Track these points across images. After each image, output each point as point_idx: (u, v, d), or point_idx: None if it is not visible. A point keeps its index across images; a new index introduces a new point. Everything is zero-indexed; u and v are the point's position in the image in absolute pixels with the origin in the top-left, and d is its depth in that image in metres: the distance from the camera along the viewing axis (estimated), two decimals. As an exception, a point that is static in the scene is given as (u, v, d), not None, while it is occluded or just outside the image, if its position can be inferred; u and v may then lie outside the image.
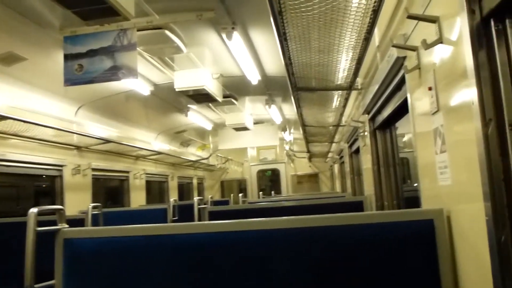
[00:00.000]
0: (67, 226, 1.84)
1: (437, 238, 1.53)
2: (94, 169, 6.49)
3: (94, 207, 3.97)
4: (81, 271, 1.79)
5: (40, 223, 1.81)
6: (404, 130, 4.92)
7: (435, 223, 1.54)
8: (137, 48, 3.83)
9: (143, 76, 5.56)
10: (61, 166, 5.72)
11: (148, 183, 8.78)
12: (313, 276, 1.62)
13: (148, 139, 8.58)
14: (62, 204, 5.54)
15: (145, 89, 5.78)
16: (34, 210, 1.76)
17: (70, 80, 3.92)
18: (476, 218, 1.26)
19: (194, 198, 3.83)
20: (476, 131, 1.22)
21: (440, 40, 1.49)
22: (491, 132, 1.17)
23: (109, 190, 7.94)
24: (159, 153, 8.59)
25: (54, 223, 1.86)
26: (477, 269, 1.33)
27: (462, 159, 1.39)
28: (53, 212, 1.91)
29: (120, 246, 1.78)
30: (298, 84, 3.73)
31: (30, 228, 1.73)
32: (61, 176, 5.72)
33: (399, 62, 2.15)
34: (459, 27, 1.33)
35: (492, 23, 1.22)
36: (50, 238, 1.83)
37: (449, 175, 1.50)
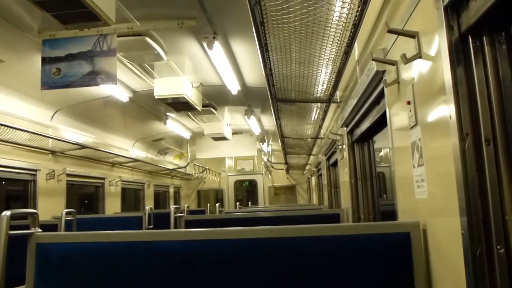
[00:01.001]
0: (40, 230, 1.77)
1: (413, 251, 1.53)
2: (69, 175, 6.34)
3: (67, 213, 3.86)
4: (54, 277, 1.73)
5: (11, 228, 1.75)
6: (381, 144, 4.99)
7: (411, 236, 1.54)
8: (117, 54, 3.78)
9: (122, 82, 5.49)
10: (35, 170, 5.57)
11: (123, 190, 8.63)
12: (287, 285, 1.60)
13: (125, 146, 8.46)
14: (35, 209, 5.38)
15: (123, 96, 5.70)
16: (7, 212, 1.71)
17: (48, 84, 3.83)
18: (452, 231, 1.27)
19: (171, 206, 3.78)
20: (453, 145, 1.22)
21: (419, 55, 1.51)
22: (467, 146, 1.18)
23: (84, 197, 7.77)
24: (136, 160, 8.46)
25: (26, 228, 1.80)
26: (452, 282, 1.33)
27: (439, 173, 1.40)
28: (25, 216, 1.85)
29: (94, 252, 1.73)
30: (277, 95, 3.74)
31: (2, 231, 1.67)
32: (34, 181, 5.56)
33: (379, 76, 2.17)
34: (438, 43, 1.35)
35: (470, 39, 1.24)
36: (22, 243, 1.76)
37: (426, 189, 1.51)
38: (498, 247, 1.11)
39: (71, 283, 1.73)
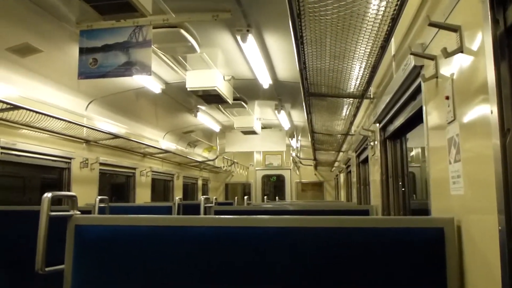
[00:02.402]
0: (79, 213, 1.85)
1: (446, 247, 1.52)
2: (101, 164, 6.53)
3: (101, 200, 3.99)
4: (90, 257, 1.81)
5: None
6: (412, 144, 4.91)
7: (445, 231, 1.53)
8: (152, 46, 3.86)
9: (155, 74, 5.59)
10: (70, 158, 5.76)
11: (153, 181, 8.81)
12: (314, 276, 1.62)
13: (156, 137, 8.62)
14: (67, 196, 5.55)
15: (156, 87, 5.81)
16: (48, 194, 1.79)
17: (84, 74, 3.96)
18: (488, 228, 1.26)
19: (201, 197, 3.85)
20: (493, 141, 1.21)
21: (460, 49, 1.49)
22: (508, 142, 1.16)
23: (115, 186, 7.98)
24: (166, 151, 8.62)
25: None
26: (486, 279, 1.32)
27: (477, 169, 1.39)
28: (60, 202, 1.93)
29: (130, 235, 1.80)
30: (310, 90, 3.73)
31: (44, 211, 1.76)
32: (69, 169, 5.76)
33: (416, 71, 2.15)
34: (481, 37, 1.33)
35: (516, 34, 1.21)
36: (61, 228, 1.84)
37: (462, 185, 1.50)
38: (537, 244, 1.10)
39: (107, 263, 1.80)
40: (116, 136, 6.35)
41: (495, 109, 1.20)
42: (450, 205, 1.65)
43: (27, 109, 4.37)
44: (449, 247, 1.53)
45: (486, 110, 1.28)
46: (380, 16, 2.18)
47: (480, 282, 1.39)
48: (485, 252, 1.33)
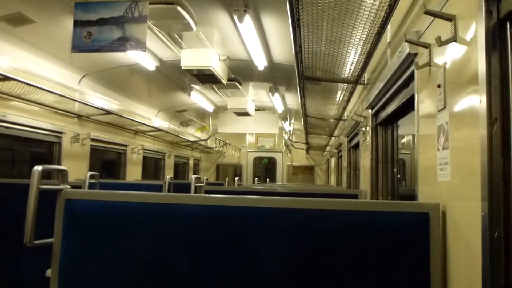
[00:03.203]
0: (69, 187, 1.87)
1: (431, 231, 1.57)
2: (93, 139, 6.52)
3: (91, 176, 3.99)
4: (80, 231, 1.83)
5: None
6: (403, 131, 4.97)
7: (430, 216, 1.58)
8: (148, 22, 3.83)
9: (149, 50, 5.55)
10: (61, 133, 5.74)
11: (144, 159, 8.82)
12: (301, 255, 1.67)
13: (149, 115, 8.59)
14: (58, 171, 5.55)
15: (150, 64, 5.77)
16: (38, 167, 1.79)
17: (78, 47, 3.92)
18: (472, 214, 1.30)
19: (192, 176, 3.87)
20: (480, 130, 1.25)
21: (454, 39, 1.51)
22: (495, 131, 1.20)
23: (106, 162, 7.98)
24: (158, 130, 8.61)
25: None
26: (468, 262, 1.37)
27: (464, 156, 1.43)
28: (49, 177, 1.93)
29: (120, 211, 1.82)
30: (305, 73, 3.74)
31: (34, 184, 1.76)
32: (59, 143, 5.75)
33: (410, 58, 2.17)
34: (475, 27, 1.35)
35: (508, 26, 1.24)
36: (50, 201, 1.86)
37: (449, 171, 1.54)
38: (516, 230, 1.15)
39: (96, 238, 1.83)
40: (108, 112, 6.32)
41: (484, 99, 1.23)
42: (436, 191, 1.69)
43: (18, 81, 4.33)
44: (434, 231, 1.58)
45: (475, 99, 1.31)
46: (377, 2, 2.20)
47: (462, 265, 1.45)
48: (468, 236, 1.38)
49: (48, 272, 1.87)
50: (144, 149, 8.69)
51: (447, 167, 1.56)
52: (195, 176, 4.26)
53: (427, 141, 1.91)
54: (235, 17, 4.16)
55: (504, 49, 1.24)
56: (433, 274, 1.56)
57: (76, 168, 5.98)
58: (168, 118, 9.74)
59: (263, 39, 4.98)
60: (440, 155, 1.65)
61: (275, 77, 6.86)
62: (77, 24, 3.91)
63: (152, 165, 9.93)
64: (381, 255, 1.62)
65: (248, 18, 4.07)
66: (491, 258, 1.17)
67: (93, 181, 4.00)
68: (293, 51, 3.08)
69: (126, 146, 7.90)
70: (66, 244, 1.82)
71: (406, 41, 2.03)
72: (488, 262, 1.17)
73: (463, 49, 1.48)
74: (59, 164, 5.72)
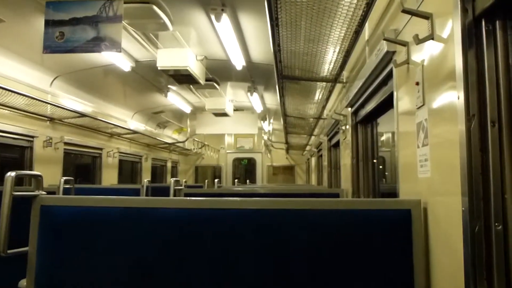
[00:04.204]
0: (44, 193, 1.84)
1: (413, 227, 1.61)
2: (66, 143, 6.40)
3: (66, 181, 3.93)
4: (56, 239, 1.80)
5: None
6: (383, 128, 5.05)
7: (412, 213, 1.62)
8: (122, 21, 3.78)
9: (124, 51, 5.49)
10: (32, 137, 5.62)
11: (121, 162, 8.71)
12: (283, 256, 1.68)
13: (124, 117, 8.49)
14: (30, 176, 5.44)
15: (125, 65, 5.71)
16: (12, 173, 1.75)
17: (50, 48, 3.84)
18: (453, 209, 1.34)
19: (171, 179, 3.85)
20: (459, 126, 1.28)
21: (431, 37, 1.55)
22: (473, 127, 1.24)
23: (80, 167, 7.84)
24: (134, 132, 8.51)
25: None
26: (450, 257, 1.41)
27: (443, 152, 1.47)
28: (21, 183, 1.89)
29: (96, 216, 1.80)
30: (284, 73, 3.77)
31: (7, 191, 1.73)
32: (31, 148, 5.62)
33: (388, 57, 2.21)
34: (451, 25, 1.39)
35: (483, 23, 1.28)
36: (24, 208, 1.82)
37: (429, 168, 1.58)
38: (496, 224, 1.19)
39: (73, 245, 1.79)
40: (82, 115, 6.22)
41: (461, 95, 1.27)
42: (417, 187, 1.73)
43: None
44: (416, 228, 1.62)
45: (453, 96, 1.35)
46: (355, 1, 2.23)
47: (444, 260, 1.49)
48: (449, 231, 1.42)
49: (22, 283, 1.83)
50: (120, 152, 8.58)
51: (427, 163, 1.60)
52: (174, 179, 4.24)
53: (406, 138, 1.95)
54: (212, 16, 4.15)
55: (480, 46, 1.28)
56: (416, 270, 1.60)
57: (49, 173, 5.86)
58: (145, 120, 9.65)
59: (241, 39, 4.99)
60: (420, 152, 1.68)
61: (253, 76, 6.88)
62: (48, 23, 3.83)
63: (128, 168, 9.82)
64: (363, 253, 1.65)
65: (225, 17, 4.07)
66: (472, 252, 1.20)
67: (67, 186, 3.94)
68: (272, 50, 3.10)
69: (101, 149, 7.78)
70: (41, 253, 1.78)
71: (384, 39, 2.07)
72: (469, 256, 1.21)
73: (440, 46, 1.52)
74: (30, 169, 5.60)
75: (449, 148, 1.39)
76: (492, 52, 1.27)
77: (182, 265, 1.72)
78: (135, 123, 9.07)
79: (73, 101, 6.43)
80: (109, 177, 8.06)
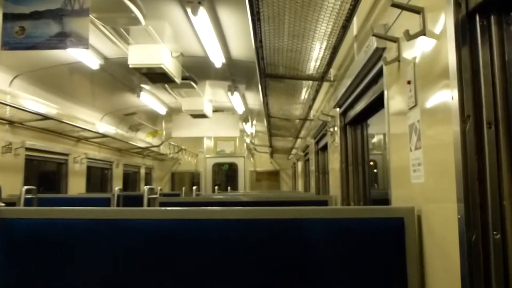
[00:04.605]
0: (3, 204, 1.80)
1: (406, 237, 1.63)
2: (28, 149, 6.29)
3: (27, 191, 3.87)
4: (18, 255, 1.76)
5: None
6: (374, 130, 5.09)
7: (405, 221, 1.64)
8: (89, 15, 3.74)
9: (92, 47, 5.43)
10: (-10, 142, 5.51)
11: (89, 169, 8.62)
12: (269, 270, 1.68)
13: (93, 120, 8.40)
14: (-12, 186, 5.34)
15: (94, 63, 5.64)
16: (-34, 184, 1.71)
17: (9, 44, 3.77)
18: (448, 217, 1.36)
19: (144, 187, 3.82)
20: (453, 127, 1.30)
21: (423, 32, 1.57)
22: (468, 129, 1.26)
23: (44, 174, 7.73)
24: (104, 136, 8.43)
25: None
26: (445, 268, 1.43)
27: (437, 156, 1.49)
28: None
29: (62, 229, 1.77)
30: (267, 70, 3.78)
31: (-39, 204, 1.69)
32: (-12, 154, 5.51)
33: (378, 53, 2.24)
34: (444, 20, 1.41)
35: (477, 18, 1.30)
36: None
37: (423, 173, 1.60)
38: (494, 232, 1.21)
39: (36, 263, 1.76)
40: (45, 117, 6.12)
41: (455, 95, 1.29)
42: (410, 194, 1.75)
43: None
44: (409, 237, 1.64)
45: (447, 95, 1.37)
46: (342, -7, 2.25)
47: (439, 271, 1.50)
48: (445, 241, 1.43)
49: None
50: (88, 158, 8.49)
51: (421, 168, 1.62)
52: (148, 187, 4.20)
53: (398, 140, 1.97)
54: (188, 10, 4.13)
55: (474, 42, 1.31)
56: (410, 282, 1.61)
57: (8, 182, 5.74)
58: (115, 123, 9.56)
59: (220, 34, 4.99)
60: (412, 156, 1.70)
61: (234, 74, 6.88)
62: (7, 17, 3.77)
63: (97, 176, 9.72)
64: (354, 264, 1.66)
65: (202, 11, 4.06)
66: (469, 263, 1.22)
67: (29, 196, 3.89)
68: (253, 47, 3.11)
69: (67, 155, 7.68)
70: (1, 270, 1.74)
71: (373, 35, 2.10)
72: (466, 267, 1.22)
73: (433, 43, 1.54)
74: (-13, 178, 5.49)
75: (444, 152, 1.41)
76: (487, 48, 1.30)
77: (157, 282, 1.71)
78: (105, 126, 8.98)
79: (36, 102, 6.33)
80: (76, 186, 7.95)
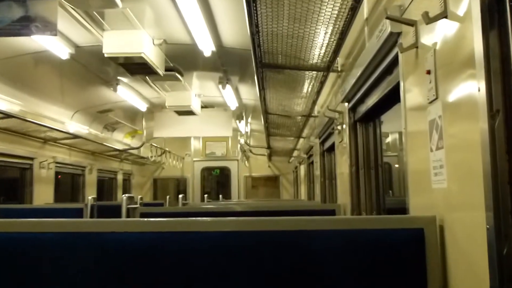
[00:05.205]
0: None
1: (427, 251, 1.63)
2: (-15, 153, 6.29)
3: (-14, 201, 3.86)
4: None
5: None
6: (388, 128, 5.10)
7: (425, 233, 1.64)
8: (58, -3, 3.75)
9: (61, 34, 5.42)
10: None
11: (58, 175, 8.60)
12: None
13: (62, 118, 8.39)
14: None
15: (63, 52, 5.63)
16: None
17: (-36, 31, 3.77)
18: (475, 227, 1.36)
19: (123, 196, 3.82)
20: (480, 124, 1.31)
21: (444, 14, 1.58)
22: (498, 125, 1.26)
23: (5, 182, 7.72)
24: (75, 136, 8.42)
25: None
26: (472, 285, 1.43)
27: (462, 157, 1.49)
28: None
29: (27, 245, 1.77)
30: (264, 60, 3.78)
31: None
32: None
33: (392, 39, 2.24)
34: (468, 0, 1.42)
35: (507, -2, 1.31)
36: None
37: (445, 176, 1.60)
38: (529, 244, 1.21)
39: (-2, 283, 1.76)
40: (6, 115, 6.12)
41: (482, 86, 1.29)
42: (431, 201, 1.76)
43: None
44: (430, 250, 1.64)
45: (473, 87, 1.37)
46: (351, -30, 2.26)
47: (465, 289, 1.51)
48: (471, 254, 1.44)
49: None
50: (57, 163, 8.48)
51: (443, 171, 1.62)
52: (126, 195, 4.20)
53: (417, 140, 1.98)
54: (172, -11, 4.14)
55: (504, 25, 1.31)
56: (432, 302, 1.62)
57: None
58: (88, 121, 9.55)
59: (209, 17, 4.99)
60: (433, 157, 1.71)
61: (226, 65, 6.88)
62: (-39, 0, 3.77)
63: (68, 183, 9.71)
64: (367, 282, 1.66)
65: (189, -10, 4.06)
66: (500, 280, 1.22)
67: (-13, 207, 3.87)
68: (249, 32, 3.11)
69: (32, 159, 7.67)
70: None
71: (387, 17, 2.10)
72: (497, 286, 1.22)
73: (455, 26, 1.54)
74: None
75: (469, 152, 1.41)
76: (519, 33, 1.30)
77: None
78: (76, 125, 8.96)
79: (-5, 98, 6.32)
80: (43, 195, 7.94)
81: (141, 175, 14.35)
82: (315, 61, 3.71)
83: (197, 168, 14.83)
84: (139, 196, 6.21)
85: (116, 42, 5.18)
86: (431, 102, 1.73)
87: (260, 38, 3.27)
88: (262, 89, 4.79)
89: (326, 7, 2.71)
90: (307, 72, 4.13)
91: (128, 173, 13.19)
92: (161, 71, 5.82)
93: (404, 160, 2.14)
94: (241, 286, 1.70)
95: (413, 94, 2.06)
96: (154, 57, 5.50)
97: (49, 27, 3.69)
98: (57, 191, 8.60)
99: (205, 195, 8.31)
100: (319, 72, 4.03)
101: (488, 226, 1.27)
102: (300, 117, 6.42)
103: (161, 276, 1.72)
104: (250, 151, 13.51)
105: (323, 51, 3.45)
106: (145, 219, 1.93)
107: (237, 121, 10.94)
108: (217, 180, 15.22)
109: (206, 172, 15.03)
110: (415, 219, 1.71)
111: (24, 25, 3.68)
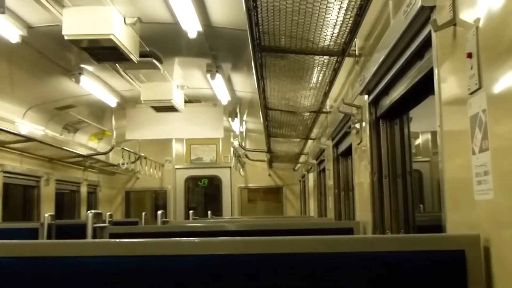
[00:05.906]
0: None
1: (469, 276, 1.62)
2: None
3: None
4: None
5: None
6: (419, 127, 5.09)
7: (466, 255, 1.64)
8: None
9: (11, 12, 5.42)
10: None
11: (6, 187, 8.61)
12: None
13: (11, 116, 8.40)
14: None
15: (13, 33, 5.64)
16: None
17: None
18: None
19: (88, 213, 3.82)
20: (535, 119, 1.31)
21: (490, -17, 1.58)
22: (557, 121, 1.26)
23: None
24: (28, 139, 8.41)
25: None
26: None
27: (512, 161, 1.49)
28: None
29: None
30: (263, 42, 3.78)
31: None
32: None
33: (424, 15, 2.25)
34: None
35: None
36: None
37: (491, 186, 1.60)
38: None
39: None
40: None
41: (538, 72, 1.30)
42: (474, 216, 1.76)
43: None
44: (473, 276, 1.64)
45: (526, 73, 1.37)
46: None
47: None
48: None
49: None
50: (5, 172, 8.47)
51: (488, 178, 1.62)
52: (92, 211, 4.20)
53: (455, 140, 1.98)
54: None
55: None
56: None
57: None
58: (44, 120, 9.56)
59: (194, -10, 5.00)
60: (476, 161, 1.71)
61: (215, 49, 6.89)
62: None
63: (19, 197, 9.69)
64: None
65: (169, -43, 4.07)
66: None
67: None
68: (244, 7, 3.11)
69: (-26, 168, 7.69)
70: None
71: (418, -12, 2.10)
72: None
73: (504, -2, 1.55)
74: None
75: (522, 154, 1.41)
76: None
77: None
78: (29, 125, 8.97)
79: None
80: (-12, 212, 7.95)
81: (110, 186, 14.33)
82: (327, 43, 3.71)
83: (179, 178, 14.82)
84: (108, 213, 6.22)
85: (78, 22, 5.19)
86: (472, 93, 1.73)
87: (259, 15, 3.27)
88: (260, 78, 4.79)
89: (341, -24, 2.72)
90: (316, 57, 4.13)
91: (94, 184, 13.18)
92: (134, 57, 5.82)
93: (439, 166, 2.14)
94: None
95: (450, 83, 2.06)
96: (126, 39, 5.50)
97: (-5, 3, 3.70)
98: (5, 206, 8.58)
99: (190, 212, 8.29)
100: (332, 57, 4.03)
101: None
102: (308, 113, 6.41)
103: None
104: (246, 156, 13.52)
105: (336, 30, 3.45)
106: (117, 239, 1.93)
107: (230, 119, 10.95)
108: (204, 193, 15.23)
109: (191, 182, 15.03)
110: (454, 239, 1.71)
111: (-36, 0, 3.69)
